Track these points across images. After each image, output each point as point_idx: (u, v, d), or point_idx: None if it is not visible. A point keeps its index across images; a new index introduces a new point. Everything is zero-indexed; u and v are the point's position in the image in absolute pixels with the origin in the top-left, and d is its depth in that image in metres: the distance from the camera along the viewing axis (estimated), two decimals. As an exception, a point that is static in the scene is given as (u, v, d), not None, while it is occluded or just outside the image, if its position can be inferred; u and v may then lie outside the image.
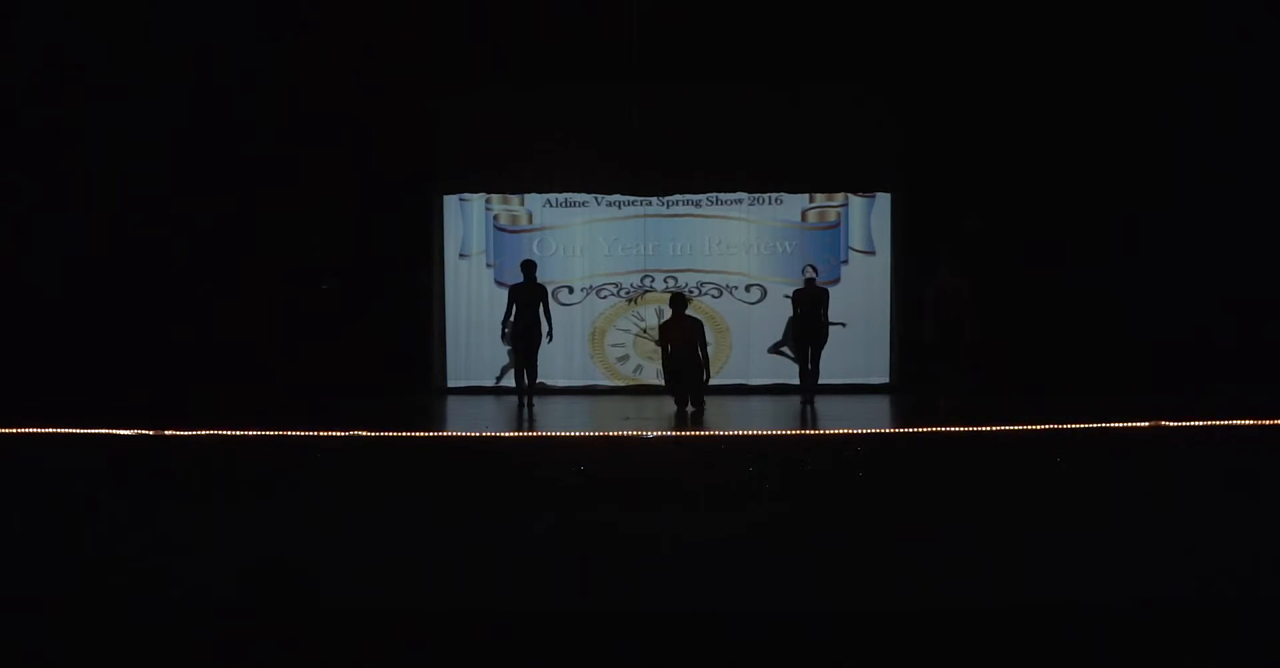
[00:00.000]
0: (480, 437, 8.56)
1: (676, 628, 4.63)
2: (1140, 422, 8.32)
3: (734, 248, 12.35)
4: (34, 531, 6.15)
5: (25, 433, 8.20)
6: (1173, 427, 8.23)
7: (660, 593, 5.10)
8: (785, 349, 12.19)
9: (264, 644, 4.48)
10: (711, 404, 10.43)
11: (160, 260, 11.37)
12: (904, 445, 8.26)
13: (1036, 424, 8.21)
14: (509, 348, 11.73)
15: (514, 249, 12.28)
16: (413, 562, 5.55)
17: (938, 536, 6.00)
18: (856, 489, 7.10)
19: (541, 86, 11.73)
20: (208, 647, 4.48)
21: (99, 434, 8.13)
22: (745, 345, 12.35)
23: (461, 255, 12.43)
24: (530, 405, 10.83)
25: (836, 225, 12.33)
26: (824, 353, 10.93)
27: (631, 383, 12.35)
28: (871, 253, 12.28)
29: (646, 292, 12.41)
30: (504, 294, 11.30)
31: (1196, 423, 8.25)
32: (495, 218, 12.46)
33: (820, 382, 11.04)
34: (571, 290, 12.41)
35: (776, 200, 12.29)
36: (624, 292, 12.44)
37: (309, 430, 8.14)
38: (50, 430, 8.20)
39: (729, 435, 8.16)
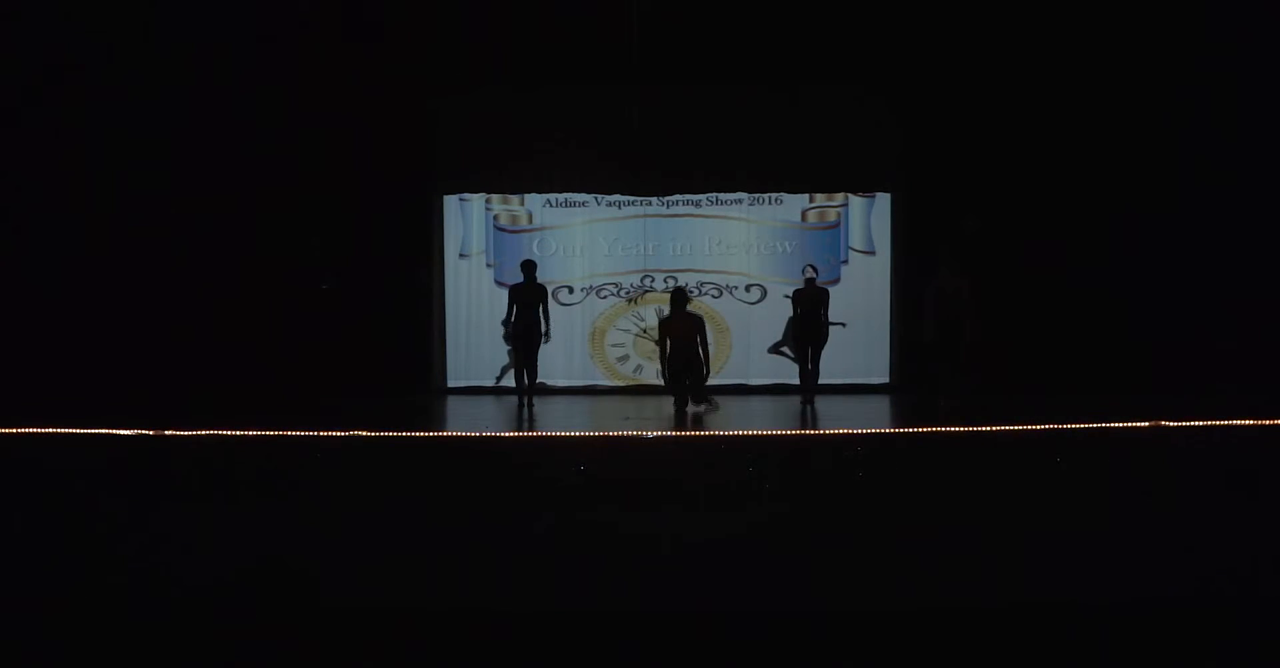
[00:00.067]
0: (480, 437, 8.56)
1: (676, 628, 4.63)
2: (1140, 422, 8.32)
3: (734, 248, 12.35)
4: (34, 531, 6.15)
5: (25, 433, 8.21)
6: (1173, 427, 8.23)
7: (660, 593, 5.10)
8: (785, 349, 12.19)
9: (264, 644, 4.48)
10: (711, 404, 10.45)
11: (160, 260, 11.37)
12: (904, 445, 8.26)
13: (1036, 424, 8.21)
14: (509, 348, 11.75)
15: (514, 249, 12.28)
16: (413, 562, 5.55)
17: (938, 536, 6.00)
18: (856, 489, 7.10)
19: (541, 86, 11.73)
20: (208, 647, 4.48)
21: (99, 434, 8.13)
22: (745, 345, 12.36)
23: (461, 255, 12.43)
24: (530, 405, 10.83)
25: (836, 225, 12.33)
26: (824, 353, 10.93)
27: (631, 383, 12.35)
28: (871, 253, 12.28)
29: (646, 292, 12.41)
30: (504, 294, 11.32)
31: (1196, 423, 8.25)
32: (495, 218, 12.46)
33: (820, 382, 11.05)
34: (571, 290, 12.41)
35: (776, 200, 12.29)
36: (624, 292, 12.44)
37: (309, 430, 8.14)
38: (50, 430, 8.20)
39: (729, 435, 8.16)
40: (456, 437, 8.63)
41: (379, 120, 11.64)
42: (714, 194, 12.24)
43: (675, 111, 11.66)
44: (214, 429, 8.14)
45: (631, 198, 12.26)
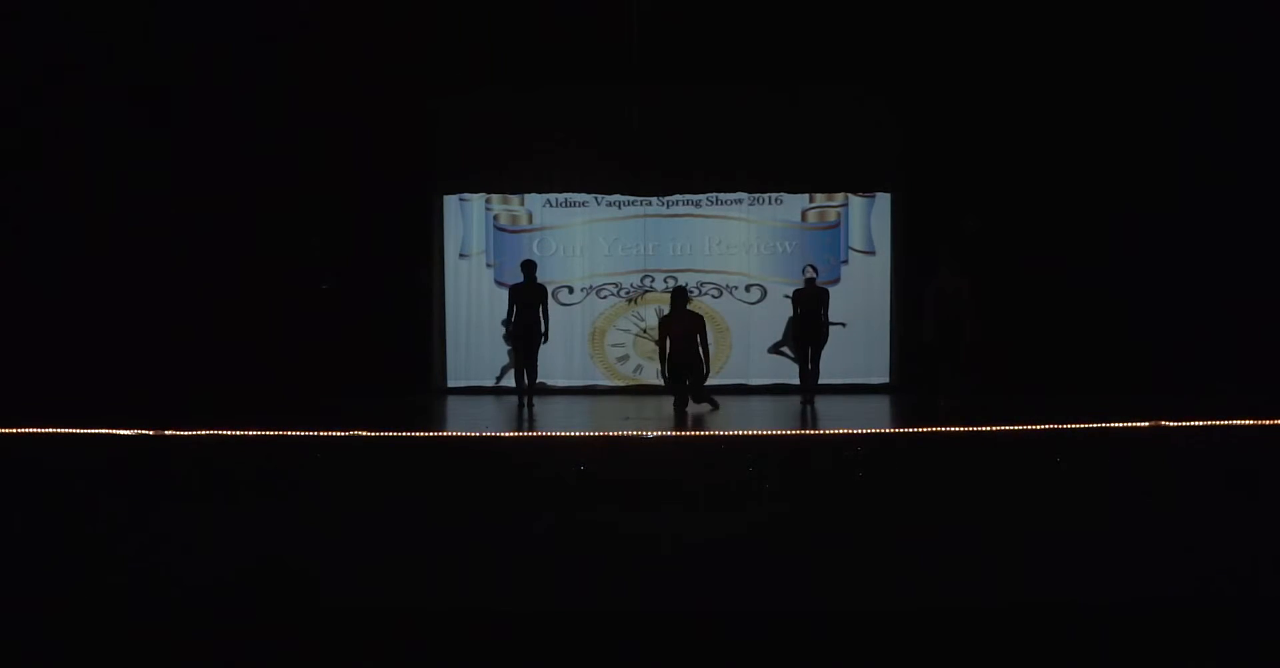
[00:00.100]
0: (480, 437, 8.56)
1: (676, 628, 4.63)
2: (1140, 422, 8.32)
3: (734, 248, 12.35)
4: (34, 531, 6.15)
5: (25, 433, 8.21)
6: (1173, 427, 8.23)
7: (660, 593, 5.10)
8: (785, 349, 12.19)
9: (264, 644, 4.48)
10: (711, 404, 10.45)
11: (160, 260, 11.37)
12: (904, 445, 8.26)
13: (1036, 424, 8.21)
14: (509, 348, 11.76)
15: (514, 249, 12.28)
16: (413, 562, 5.55)
17: (938, 536, 6.00)
18: (856, 489, 7.10)
19: (541, 86, 11.73)
20: (208, 647, 4.48)
21: (99, 434, 8.13)
22: (745, 345, 12.36)
23: (461, 255, 12.43)
24: (530, 405, 10.83)
25: (836, 225, 12.33)
26: (824, 353, 10.94)
27: (631, 383, 12.35)
28: (871, 253, 12.28)
29: (646, 292, 12.41)
30: (504, 294, 11.33)
31: (1196, 423, 8.25)
32: (495, 218, 12.46)
33: (820, 382, 11.05)
34: (571, 290, 12.41)
35: (776, 200, 12.29)
36: (624, 292, 12.44)
37: (309, 430, 8.14)
38: (50, 430, 8.20)
39: (729, 435, 8.16)
40: (456, 437, 8.63)
41: (379, 120, 11.64)
42: (714, 194, 12.24)
43: (675, 111, 11.66)
44: (214, 429, 8.14)
45: (631, 198, 12.26)
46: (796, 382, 11.24)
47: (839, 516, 6.60)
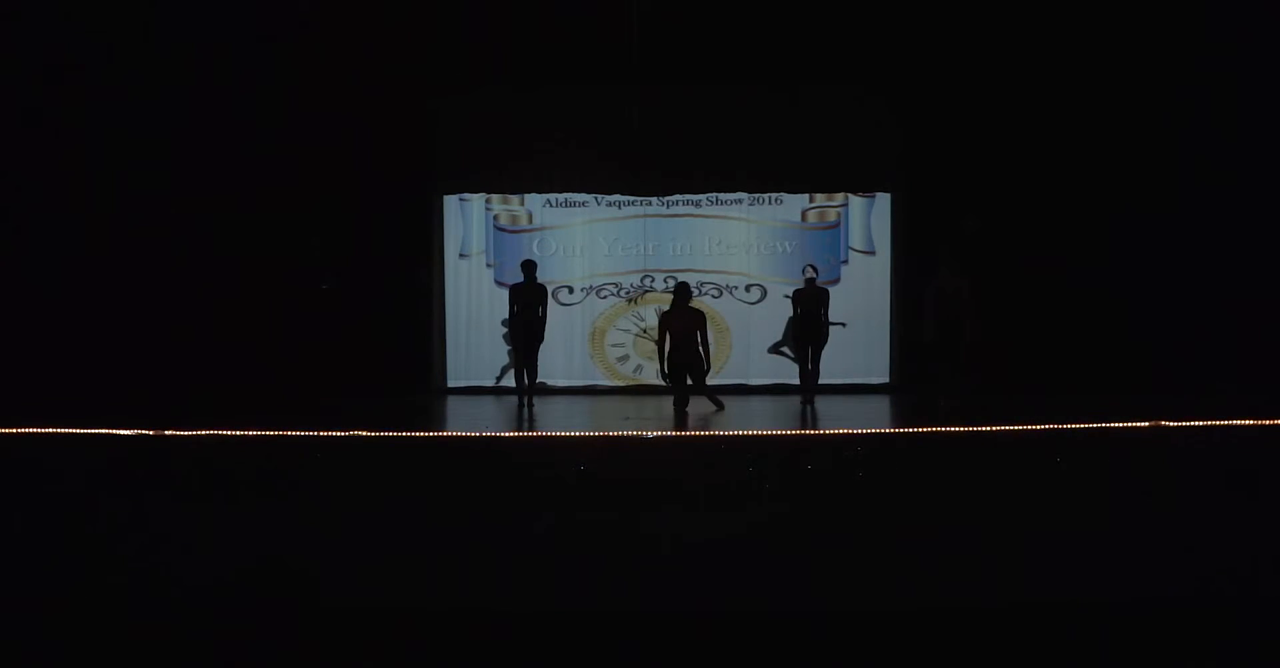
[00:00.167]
0: (480, 437, 8.56)
1: (676, 628, 4.63)
2: (1140, 422, 8.32)
3: (734, 248, 12.35)
4: (34, 531, 6.15)
5: (25, 433, 8.21)
6: (1173, 427, 8.23)
7: (660, 593, 5.09)
8: (785, 349, 12.19)
9: (264, 644, 4.48)
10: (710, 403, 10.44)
11: (160, 260, 11.37)
12: (904, 445, 8.26)
13: (1036, 424, 8.22)
14: (509, 348, 11.76)
15: (514, 249, 12.28)
16: (413, 562, 5.55)
17: (938, 536, 5.99)
18: (856, 489, 7.10)
19: (541, 86, 11.73)
20: (208, 647, 4.48)
21: (99, 434, 8.13)
22: (745, 345, 12.36)
23: (461, 255, 12.43)
24: (530, 405, 10.83)
25: (836, 225, 12.33)
26: (824, 353, 10.93)
27: (631, 383, 12.35)
28: (871, 253, 12.28)
29: (646, 292, 12.41)
30: (504, 294, 11.34)
31: (1196, 423, 8.26)
32: (495, 218, 12.46)
33: (820, 382, 11.05)
34: (571, 290, 12.41)
35: (776, 200, 12.29)
36: (624, 292, 12.44)
37: (309, 430, 8.14)
38: (50, 430, 8.20)
39: (729, 435, 8.16)
40: (456, 437, 8.63)
41: (379, 120, 11.64)
42: (714, 194, 12.25)
43: (675, 111, 11.66)
44: (214, 429, 8.14)
45: (631, 198, 12.26)
46: (796, 382, 11.24)
47: (839, 516, 6.59)
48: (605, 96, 11.70)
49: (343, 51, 11.33)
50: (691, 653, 4.42)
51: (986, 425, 8.27)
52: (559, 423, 9.68)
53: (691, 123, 11.72)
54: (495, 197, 12.40)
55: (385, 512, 6.52)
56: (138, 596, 5.05)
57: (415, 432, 8.62)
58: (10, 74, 10.98)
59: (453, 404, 11.59)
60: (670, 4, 11.01)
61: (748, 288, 12.35)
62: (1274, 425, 8.19)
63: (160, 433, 8.15)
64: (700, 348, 10.20)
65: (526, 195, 12.36)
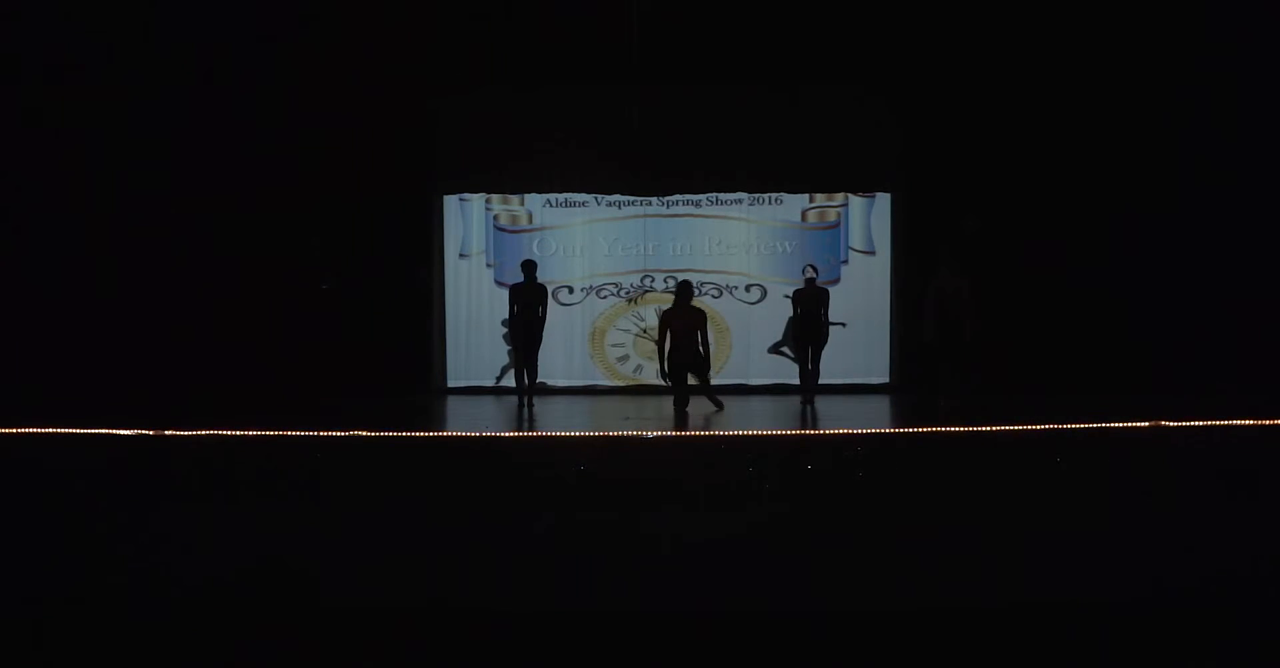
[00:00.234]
0: (480, 437, 8.56)
1: (676, 628, 4.63)
2: (1140, 422, 8.32)
3: (734, 248, 12.35)
4: (34, 531, 6.15)
5: (25, 433, 8.20)
6: (1173, 427, 8.23)
7: (660, 593, 5.09)
8: (785, 349, 12.19)
9: (264, 644, 4.48)
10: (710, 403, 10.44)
11: (160, 260, 11.37)
12: (904, 445, 8.26)
13: (1036, 424, 8.21)
14: (509, 348, 11.76)
15: (514, 249, 12.28)
16: (413, 562, 5.55)
17: (938, 536, 6.00)
18: (856, 489, 7.10)
19: (541, 86, 11.73)
20: (208, 647, 4.48)
21: (99, 434, 8.13)
22: (745, 345, 12.36)
23: (461, 255, 12.43)
24: (530, 405, 10.84)
25: (836, 225, 12.33)
26: (824, 353, 10.93)
27: (631, 383, 12.35)
28: (871, 253, 12.28)
29: (646, 292, 12.41)
30: (504, 294, 11.35)
31: (1196, 423, 8.25)
32: (495, 218, 12.46)
33: (820, 382, 11.05)
34: (571, 290, 12.41)
35: (776, 200, 12.29)
36: (624, 292, 12.44)
37: (309, 430, 8.14)
38: (50, 430, 8.20)
39: (729, 435, 8.16)
40: (456, 437, 8.63)
41: (379, 120, 11.64)
42: (714, 194, 12.24)
43: (675, 111, 11.66)
44: (214, 429, 8.14)
45: (631, 198, 12.26)
46: (796, 382, 11.24)
47: (839, 516, 6.60)
48: (605, 96, 11.70)
49: (343, 51, 11.33)
50: (691, 653, 4.42)
51: (986, 425, 8.26)
52: (559, 423, 9.68)
53: (691, 123, 11.72)
54: (495, 197, 12.40)
55: (385, 512, 6.53)
56: (138, 596, 5.05)
57: (415, 432, 8.62)
58: (10, 74, 10.98)
59: (453, 404, 11.59)
60: (670, 4, 11.01)
61: (748, 288, 12.35)
62: (1274, 425, 8.19)
63: (160, 433, 8.15)
64: (701, 347, 10.21)
65: (526, 195, 12.36)
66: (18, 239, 11.18)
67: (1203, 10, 10.87)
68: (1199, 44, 10.97)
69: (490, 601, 4.97)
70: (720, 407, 10.32)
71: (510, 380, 11.84)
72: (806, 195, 12.29)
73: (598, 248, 12.42)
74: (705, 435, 8.57)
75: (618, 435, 8.24)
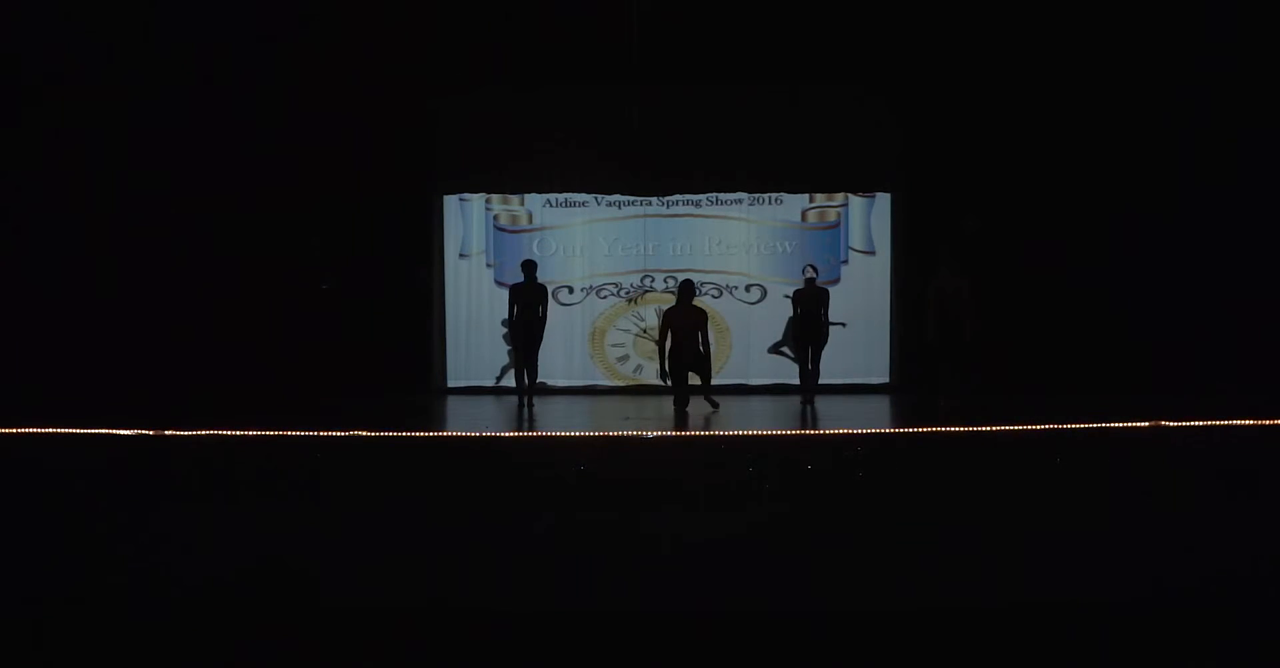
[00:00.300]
0: (480, 437, 8.56)
1: (676, 628, 4.63)
2: (1140, 422, 8.32)
3: (734, 248, 12.35)
4: (34, 531, 6.15)
5: (25, 433, 8.20)
6: (1173, 427, 8.23)
7: (660, 593, 5.09)
8: (785, 349, 12.19)
9: (264, 644, 4.48)
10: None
11: (160, 260, 11.37)
12: (904, 445, 8.26)
13: (1036, 424, 8.21)
14: (509, 348, 11.76)
15: (514, 249, 12.28)
16: (413, 562, 5.55)
17: (938, 536, 6.00)
18: (856, 489, 7.10)
19: (541, 86, 11.73)
20: (208, 647, 4.48)
21: (99, 434, 8.13)
22: (745, 345, 12.36)
23: (461, 255, 12.43)
24: (530, 405, 10.83)
25: (836, 225, 12.33)
26: (824, 353, 10.93)
27: (631, 383, 12.35)
28: (871, 253, 12.28)
29: (646, 292, 12.41)
30: (504, 294, 11.34)
31: (1196, 423, 8.25)
32: (495, 218, 12.46)
33: (820, 382, 11.05)
34: (571, 290, 12.41)
35: (776, 200, 12.29)
36: (624, 292, 12.44)
37: (309, 430, 8.14)
38: (50, 430, 8.20)
39: (729, 435, 8.16)
40: (456, 437, 8.63)
41: (379, 120, 11.65)
42: (714, 194, 12.24)
43: (675, 111, 11.66)
44: (214, 429, 8.14)
45: (631, 198, 12.26)
46: (796, 382, 11.24)
47: (839, 516, 6.60)
48: (605, 96, 11.70)
49: (343, 51, 11.33)
50: (691, 653, 4.42)
51: (986, 425, 8.27)
52: (559, 423, 9.68)
53: (691, 123, 11.72)
54: (495, 197, 12.40)
55: (385, 512, 6.53)
56: (138, 596, 5.05)
57: (415, 432, 8.61)
58: (10, 74, 10.98)
59: (453, 404, 11.59)
60: (670, 4, 11.01)
61: (748, 288, 12.35)
62: (1274, 425, 8.19)
63: (160, 433, 8.15)
64: (701, 347, 10.22)
65: (526, 195, 12.36)
66: (18, 239, 11.18)
67: (1203, 10, 10.86)
68: (1199, 44, 10.96)
69: (490, 601, 4.97)
70: (716, 407, 10.32)
71: (510, 380, 11.84)
72: (806, 195, 12.29)
73: (598, 248, 12.42)
74: (705, 435, 8.57)
75: (618, 435, 8.24)
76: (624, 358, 12.47)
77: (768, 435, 8.27)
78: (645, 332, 12.27)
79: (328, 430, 8.12)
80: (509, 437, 8.95)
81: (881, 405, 11.34)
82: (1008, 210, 11.52)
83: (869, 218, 12.28)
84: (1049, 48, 11.22)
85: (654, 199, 12.26)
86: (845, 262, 12.29)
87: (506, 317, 11.07)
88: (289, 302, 11.70)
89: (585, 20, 11.15)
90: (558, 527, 6.27)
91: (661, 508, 6.60)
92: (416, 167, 11.93)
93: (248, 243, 11.54)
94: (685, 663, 4.38)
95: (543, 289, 10.91)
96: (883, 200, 12.22)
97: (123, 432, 8.16)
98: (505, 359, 12.27)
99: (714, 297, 12.31)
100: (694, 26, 11.25)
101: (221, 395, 10.67)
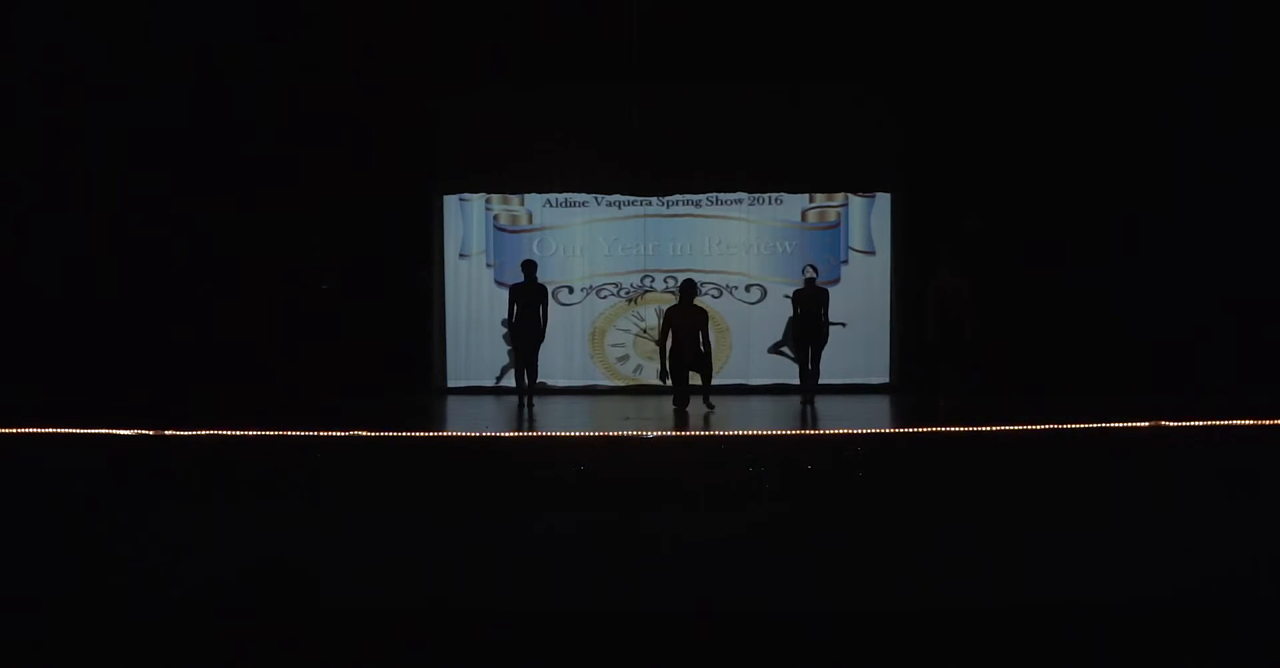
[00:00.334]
0: (480, 437, 8.56)
1: (676, 628, 4.63)
2: (1140, 422, 8.32)
3: (734, 248, 12.35)
4: (34, 531, 6.15)
5: (25, 433, 8.20)
6: (1173, 427, 8.23)
7: (660, 593, 5.10)
8: (785, 349, 12.19)
9: (264, 644, 4.48)
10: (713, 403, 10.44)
11: (160, 260, 11.37)
12: (904, 445, 8.26)
13: (1036, 424, 8.21)
14: (509, 348, 11.76)
15: (514, 249, 12.28)
16: (413, 562, 5.55)
17: (938, 536, 6.00)
18: (856, 489, 7.10)
19: (541, 86, 11.73)
20: (208, 647, 4.48)
21: (99, 434, 8.13)
22: (745, 345, 12.35)
23: (461, 255, 12.43)
24: (530, 405, 10.83)
25: (836, 225, 12.33)
26: (824, 353, 10.93)
27: (631, 383, 12.35)
28: (871, 253, 12.28)
29: (646, 292, 12.41)
30: (504, 294, 11.34)
31: (1196, 423, 8.25)
32: (495, 218, 12.46)
33: (820, 382, 11.05)
34: (571, 290, 12.41)
35: (776, 200, 12.29)
36: (624, 292, 12.44)
37: (309, 430, 8.14)
38: (50, 430, 8.20)
39: (729, 435, 8.16)
40: (456, 437, 8.63)
41: (379, 120, 11.64)
42: (714, 194, 12.24)
43: (675, 111, 11.66)
44: (214, 429, 8.14)
45: (631, 198, 12.26)
46: (796, 382, 11.23)
47: (839, 516, 6.60)
48: (605, 96, 11.69)
49: (343, 51, 11.33)
50: (691, 653, 4.42)
51: (986, 425, 8.27)
52: (559, 423, 9.68)
53: (691, 123, 11.71)
54: (495, 197, 12.40)
55: (385, 512, 6.53)
56: (138, 596, 5.05)
57: (415, 432, 8.61)
58: (10, 74, 10.98)
59: (453, 404, 11.59)
60: (670, 4, 11.01)
61: (748, 288, 12.35)
62: (1274, 425, 8.19)
63: (160, 433, 8.15)
64: (702, 346, 10.22)
65: (526, 195, 12.36)
66: (18, 239, 11.18)
67: (1203, 10, 10.86)
68: (1199, 44, 10.96)
69: (490, 601, 4.98)
70: (712, 408, 10.31)
71: (510, 380, 11.84)
72: (806, 195, 12.29)
73: (598, 248, 12.42)
74: (705, 435, 8.57)
75: (618, 435, 8.24)
76: (624, 358, 12.47)
77: (768, 435, 8.27)
78: (645, 332, 12.27)
79: (328, 430, 8.12)
80: (509, 437, 8.95)
81: (881, 405, 11.34)
82: (1008, 210, 11.51)
83: (869, 218, 12.28)
84: (1049, 48, 11.22)
85: (654, 199, 12.25)
86: (845, 262, 12.29)
87: (506, 317, 11.06)
88: (289, 302, 11.69)
89: (585, 20, 11.15)
90: (558, 527, 6.27)
91: (661, 508, 6.60)
92: (416, 166, 11.93)
93: (248, 243, 11.53)
94: (685, 663, 4.38)
95: (543, 289, 10.90)
96: (883, 200, 12.21)
97: (123, 432, 8.16)
98: (505, 359, 12.27)
99: (714, 297, 12.31)
100: (694, 26, 11.25)
101: (221, 395, 10.67)
